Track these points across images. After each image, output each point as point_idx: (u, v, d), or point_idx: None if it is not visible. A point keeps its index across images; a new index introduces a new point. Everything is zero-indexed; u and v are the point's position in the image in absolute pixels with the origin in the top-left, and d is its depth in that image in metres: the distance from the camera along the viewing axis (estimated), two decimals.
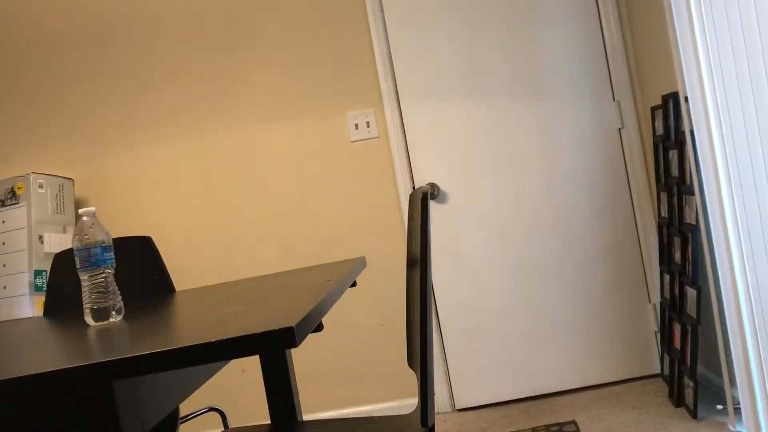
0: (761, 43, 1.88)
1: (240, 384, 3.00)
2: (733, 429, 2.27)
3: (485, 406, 3.00)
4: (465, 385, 2.99)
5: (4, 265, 2.80)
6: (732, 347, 2.16)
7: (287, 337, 0.84)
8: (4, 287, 2.78)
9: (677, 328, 2.58)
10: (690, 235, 2.42)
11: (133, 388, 0.95)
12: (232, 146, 3.09)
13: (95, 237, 1.30)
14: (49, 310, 1.91)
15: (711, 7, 2.03)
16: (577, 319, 2.97)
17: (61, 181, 2.99)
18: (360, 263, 1.75)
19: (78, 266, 1.30)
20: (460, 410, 2.99)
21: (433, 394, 1.20)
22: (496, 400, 2.98)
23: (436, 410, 3.02)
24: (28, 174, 2.85)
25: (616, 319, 2.96)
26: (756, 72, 1.92)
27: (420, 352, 1.17)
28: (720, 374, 2.48)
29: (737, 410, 2.32)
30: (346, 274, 1.46)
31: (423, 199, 1.25)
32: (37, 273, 2.77)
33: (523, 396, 2.99)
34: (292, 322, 0.85)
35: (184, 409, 2.68)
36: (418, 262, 1.25)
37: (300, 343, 0.84)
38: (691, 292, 2.43)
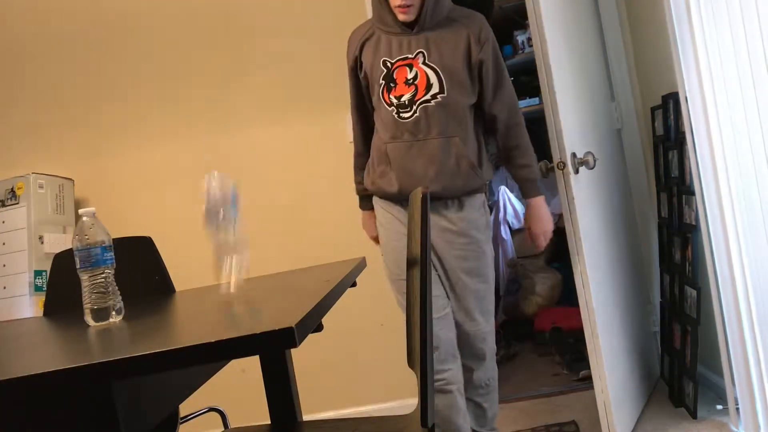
0: (762, 43, 1.88)
1: (240, 384, 2.99)
2: (735, 429, 2.27)
3: None
4: None
5: (4, 266, 2.80)
6: (731, 347, 2.16)
7: (287, 338, 0.84)
8: (4, 287, 2.78)
9: (677, 329, 2.58)
10: (690, 236, 2.42)
11: (133, 389, 0.95)
12: (232, 146, 3.09)
13: (95, 237, 1.30)
14: (49, 310, 1.91)
15: (711, 7, 2.03)
16: None
17: (61, 181, 2.99)
18: (360, 263, 1.75)
19: (78, 266, 1.30)
20: None
21: (433, 394, 1.20)
22: None
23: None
24: (28, 174, 2.85)
25: None
26: (757, 72, 1.92)
27: (420, 351, 1.17)
28: (720, 374, 2.48)
29: (739, 410, 2.32)
30: (346, 275, 1.46)
31: (423, 200, 1.25)
32: (37, 273, 2.77)
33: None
34: (292, 322, 0.85)
35: (184, 409, 2.68)
36: (418, 263, 1.25)
37: (300, 344, 0.84)
38: (691, 293, 2.42)
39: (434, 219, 2.12)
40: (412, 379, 3.01)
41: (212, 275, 1.40)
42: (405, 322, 1.58)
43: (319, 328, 1.64)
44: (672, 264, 2.64)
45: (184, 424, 1.93)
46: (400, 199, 2.13)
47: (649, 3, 2.65)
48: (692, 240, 2.40)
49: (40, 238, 2.81)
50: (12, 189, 2.85)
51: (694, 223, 2.37)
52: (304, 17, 3.06)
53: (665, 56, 2.51)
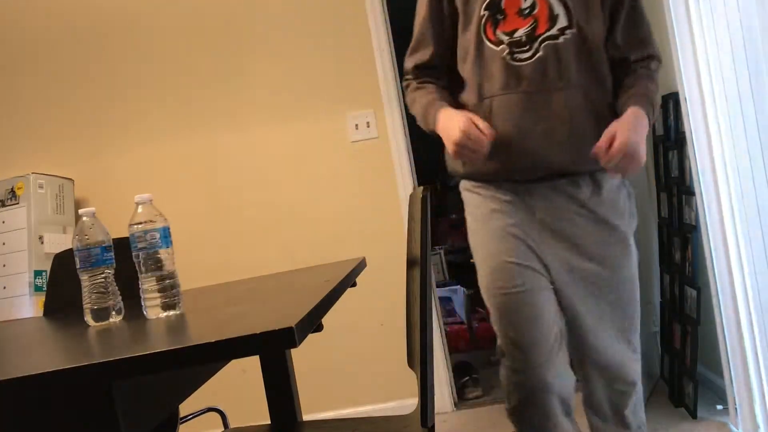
0: (761, 43, 1.88)
1: (240, 384, 2.99)
2: (735, 430, 2.27)
3: (486, 405, 3.00)
4: None
5: (4, 266, 2.80)
6: (729, 347, 2.16)
7: (287, 338, 0.84)
8: (4, 287, 2.78)
9: (677, 329, 2.58)
10: (690, 236, 2.42)
11: (133, 389, 0.95)
12: (233, 146, 3.09)
13: (95, 237, 1.30)
14: (49, 310, 1.91)
15: (710, 7, 2.03)
16: None
17: (61, 181, 2.99)
18: (360, 263, 1.75)
19: (78, 266, 1.30)
20: (460, 409, 2.99)
21: (433, 394, 1.20)
22: None
23: (436, 410, 3.01)
24: (28, 174, 2.85)
25: None
26: (756, 72, 1.92)
27: (420, 351, 1.17)
28: (720, 374, 2.48)
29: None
30: (346, 275, 1.46)
31: (423, 200, 1.25)
32: (37, 273, 2.77)
33: None
34: (292, 322, 0.85)
35: (184, 409, 2.68)
36: (418, 263, 1.25)
37: (300, 344, 0.84)
38: (690, 293, 2.42)
39: (563, 204, 1.58)
40: (411, 379, 3.01)
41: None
42: (406, 323, 1.58)
43: (319, 328, 1.64)
44: (672, 264, 2.64)
45: (184, 424, 1.93)
46: (505, 178, 1.59)
47: (648, 3, 2.65)
48: (692, 240, 2.40)
49: (40, 238, 2.81)
50: (12, 189, 2.85)
51: (694, 223, 2.37)
52: (306, 17, 3.05)
53: (665, 56, 2.51)
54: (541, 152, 1.52)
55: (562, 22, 1.51)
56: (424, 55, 1.68)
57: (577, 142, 1.51)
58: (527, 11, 1.52)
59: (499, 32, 1.54)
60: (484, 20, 1.55)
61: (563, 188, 1.57)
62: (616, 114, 1.54)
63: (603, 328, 1.59)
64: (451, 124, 1.51)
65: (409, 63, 1.72)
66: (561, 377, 1.57)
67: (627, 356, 1.62)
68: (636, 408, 1.64)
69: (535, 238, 1.59)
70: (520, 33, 1.52)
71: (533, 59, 1.52)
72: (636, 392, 1.64)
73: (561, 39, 1.51)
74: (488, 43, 1.55)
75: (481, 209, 1.64)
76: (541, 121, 1.51)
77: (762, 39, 1.87)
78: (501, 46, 1.54)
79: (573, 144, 1.52)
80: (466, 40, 1.59)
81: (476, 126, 1.48)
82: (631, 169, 1.48)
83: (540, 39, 1.52)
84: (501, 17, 1.54)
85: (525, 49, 1.52)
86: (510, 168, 1.56)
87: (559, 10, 1.52)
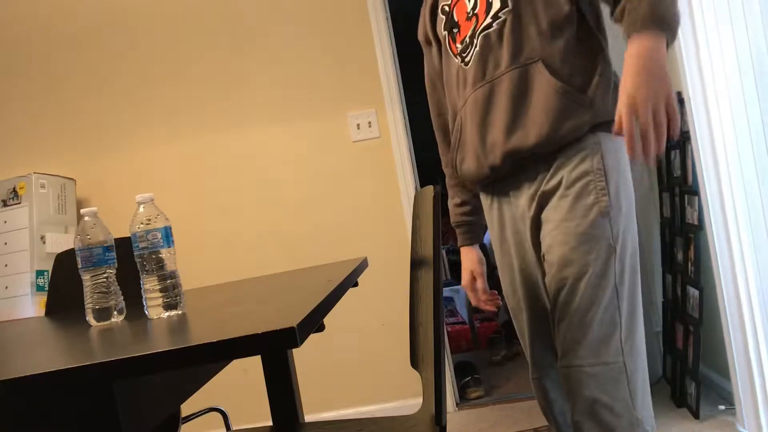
0: (765, 42, 1.87)
1: (241, 384, 2.99)
2: (741, 429, 2.26)
3: (487, 405, 3.00)
4: None
5: (6, 265, 2.80)
6: (733, 347, 2.15)
7: (289, 338, 0.83)
8: (6, 287, 2.78)
9: (679, 329, 2.58)
10: (692, 235, 2.41)
11: (135, 389, 0.95)
12: (234, 146, 3.09)
13: (97, 237, 1.30)
14: (51, 310, 1.91)
15: (713, 6, 2.03)
16: None
17: (63, 181, 2.99)
18: (362, 263, 1.75)
19: (80, 266, 1.30)
20: (461, 409, 2.99)
21: (445, 393, 1.20)
22: None
23: None
24: (30, 174, 2.85)
25: None
26: (759, 70, 1.92)
27: (434, 351, 1.17)
28: (722, 374, 2.48)
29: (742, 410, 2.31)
30: (348, 275, 1.46)
31: (435, 198, 1.24)
32: (39, 273, 2.77)
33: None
34: (293, 322, 0.85)
35: (186, 409, 2.68)
36: (427, 263, 1.25)
37: (302, 344, 0.84)
38: (693, 293, 2.42)
39: (513, 204, 1.48)
40: (413, 379, 3.01)
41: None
42: (409, 323, 1.57)
43: (320, 328, 1.64)
44: (674, 264, 2.64)
45: (186, 424, 1.93)
46: (486, 180, 1.51)
47: None
48: (695, 240, 2.40)
49: (42, 237, 2.81)
50: (14, 189, 2.85)
51: (696, 222, 2.36)
52: (307, 16, 3.05)
53: (668, 56, 2.50)
54: (498, 146, 1.42)
55: (495, 6, 1.41)
56: (444, 157, 1.71)
57: (522, 126, 1.38)
58: (470, 13, 1.46)
59: (456, 45, 1.50)
60: (446, 40, 1.52)
61: (523, 183, 1.46)
62: (596, 65, 1.38)
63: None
64: (462, 267, 1.72)
65: (445, 167, 1.71)
66: None
67: None
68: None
69: None
70: (466, 36, 1.46)
71: (473, 57, 1.45)
72: None
73: (495, 25, 1.41)
74: (454, 60, 1.51)
75: (488, 216, 1.63)
76: (494, 114, 1.42)
77: (766, 38, 1.86)
78: (457, 58, 1.50)
79: (518, 129, 1.38)
80: (444, 71, 1.58)
81: (474, 289, 1.67)
82: (659, 133, 1.18)
83: (477, 34, 1.44)
84: (456, 30, 1.50)
85: (469, 50, 1.46)
86: (479, 168, 1.48)
87: None
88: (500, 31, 1.41)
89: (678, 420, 2.45)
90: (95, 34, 3.15)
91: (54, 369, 0.85)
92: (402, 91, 3.04)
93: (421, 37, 1.66)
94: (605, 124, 1.37)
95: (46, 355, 1.07)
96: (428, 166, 3.92)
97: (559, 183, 1.38)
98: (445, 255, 4.69)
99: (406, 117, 3.05)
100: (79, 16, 3.15)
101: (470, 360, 3.43)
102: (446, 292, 4.18)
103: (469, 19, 1.46)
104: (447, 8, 1.52)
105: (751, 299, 2.05)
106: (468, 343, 3.94)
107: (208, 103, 3.10)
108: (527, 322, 1.55)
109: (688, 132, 2.27)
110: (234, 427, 2.26)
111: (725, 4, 1.99)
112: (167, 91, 3.12)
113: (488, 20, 1.42)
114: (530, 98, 1.38)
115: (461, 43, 1.47)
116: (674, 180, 2.58)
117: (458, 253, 4.77)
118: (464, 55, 1.47)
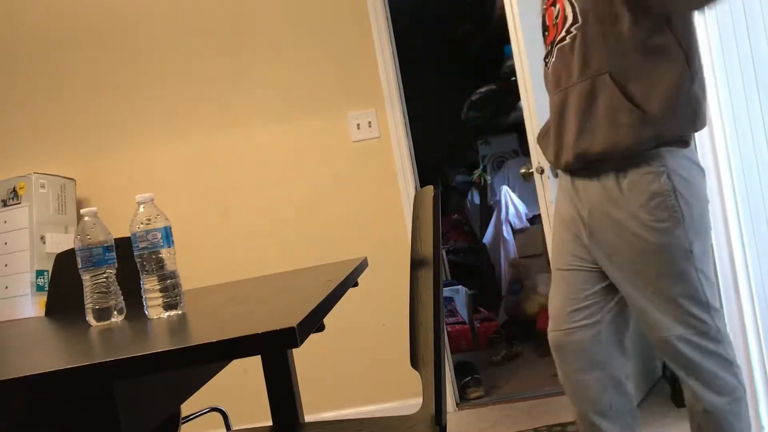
0: (766, 39, 1.87)
1: (241, 384, 2.99)
2: None
3: (487, 405, 3.00)
4: None
5: (6, 265, 2.80)
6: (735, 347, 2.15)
7: (289, 338, 0.83)
8: (6, 287, 2.78)
9: None
10: None
11: (135, 389, 0.95)
12: (234, 146, 3.09)
13: (97, 237, 1.30)
14: (51, 310, 1.91)
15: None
16: None
17: (63, 181, 2.99)
18: (362, 263, 1.75)
19: (80, 266, 1.30)
20: (461, 410, 2.99)
21: (445, 393, 1.20)
22: None
23: None
24: (30, 174, 2.85)
25: None
26: (760, 69, 1.92)
27: (434, 351, 1.17)
28: None
29: None
30: (348, 275, 1.46)
31: (435, 199, 1.25)
32: (39, 273, 2.77)
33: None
34: (293, 322, 0.85)
35: (186, 409, 2.68)
36: (427, 263, 1.25)
37: (302, 344, 0.84)
38: None
39: (598, 200, 1.57)
40: (413, 379, 3.00)
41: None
42: (409, 323, 1.57)
43: (320, 328, 1.64)
44: None
45: (186, 424, 1.93)
46: (561, 168, 1.66)
47: None
48: None
49: (42, 237, 2.81)
50: (14, 189, 2.85)
51: None
52: (307, 16, 3.05)
53: None
54: (567, 148, 1.57)
55: (569, 20, 1.54)
56: None
57: (587, 136, 1.51)
58: (555, 21, 1.59)
59: (546, 47, 1.65)
60: (544, 41, 1.67)
61: (596, 183, 1.57)
62: (670, 88, 1.46)
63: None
64: None
65: None
66: None
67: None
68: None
69: None
70: (549, 43, 1.62)
71: (552, 65, 1.61)
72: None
73: (567, 39, 1.54)
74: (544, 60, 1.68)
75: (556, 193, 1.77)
76: (569, 120, 1.55)
77: (766, 35, 1.86)
78: (546, 59, 1.65)
79: (583, 138, 1.52)
80: None
81: None
82: None
83: (555, 44, 1.59)
84: (546, 33, 1.66)
85: (549, 56, 1.62)
86: (557, 159, 1.62)
87: (569, 11, 1.54)
88: (572, 45, 1.54)
89: (678, 420, 2.45)
90: (95, 34, 3.14)
91: (54, 369, 0.85)
92: (402, 91, 3.04)
93: None
94: (672, 142, 1.48)
95: (47, 355, 1.07)
96: (428, 166, 3.92)
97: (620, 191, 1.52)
98: (445, 255, 4.69)
99: (406, 117, 3.05)
100: (79, 16, 3.15)
101: (470, 360, 3.42)
102: (446, 292, 4.18)
103: (554, 25, 1.60)
104: (542, 10, 1.67)
105: (753, 299, 2.05)
106: (468, 343, 3.94)
107: (208, 103, 3.10)
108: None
109: None
110: (234, 427, 2.26)
111: (726, 1, 1.99)
112: (167, 91, 3.12)
113: (563, 33, 1.57)
114: (597, 109, 1.49)
115: (547, 48, 1.64)
116: None
117: (458, 252, 4.80)
118: (547, 60, 1.64)
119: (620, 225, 1.52)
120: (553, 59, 1.59)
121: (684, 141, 1.50)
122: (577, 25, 1.52)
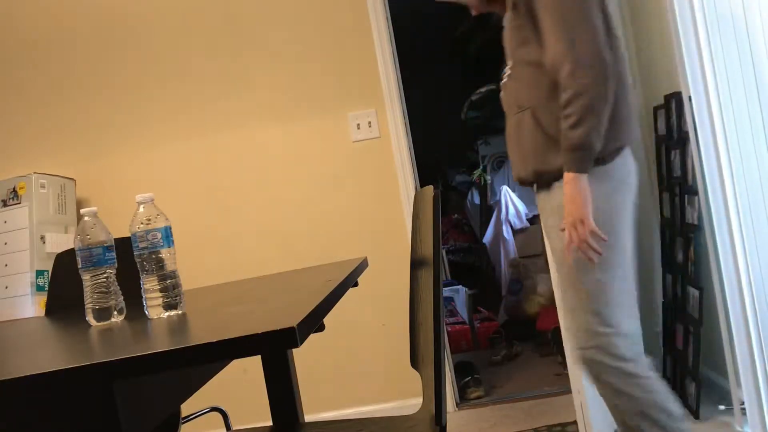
0: (765, 41, 1.87)
1: (241, 384, 2.99)
2: (740, 429, 2.26)
3: (487, 405, 3.00)
4: None
5: (6, 265, 2.80)
6: (737, 348, 2.15)
7: (289, 337, 0.83)
8: (6, 287, 2.78)
9: (679, 329, 2.58)
10: (692, 236, 2.41)
11: (135, 389, 0.95)
12: (234, 146, 3.09)
13: (97, 237, 1.30)
14: (51, 310, 1.91)
15: (714, 5, 2.03)
16: None
17: (63, 181, 2.99)
18: (362, 263, 1.75)
19: (80, 266, 1.30)
20: (461, 410, 2.99)
21: (445, 392, 1.20)
22: None
23: None
24: (30, 174, 2.85)
25: None
26: (760, 70, 1.92)
27: (434, 350, 1.17)
28: (722, 374, 2.48)
29: (743, 411, 2.31)
30: (348, 275, 1.46)
31: (435, 199, 1.25)
32: (39, 273, 2.77)
33: None
34: (293, 322, 0.85)
35: (186, 409, 2.68)
36: (427, 263, 1.25)
37: (301, 344, 0.84)
38: (693, 293, 2.42)
39: (541, 210, 1.82)
40: (413, 379, 3.01)
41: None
42: (409, 323, 1.57)
43: (320, 328, 1.64)
44: (674, 264, 2.64)
45: (186, 424, 1.93)
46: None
47: (653, 2, 2.64)
48: (694, 240, 2.39)
49: (42, 237, 2.81)
50: (14, 189, 2.85)
51: (696, 222, 2.36)
52: (307, 16, 3.05)
53: (668, 56, 2.51)
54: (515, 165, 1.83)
55: (508, 58, 1.78)
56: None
57: (521, 162, 1.76)
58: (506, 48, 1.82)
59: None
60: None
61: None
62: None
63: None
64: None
65: None
66: None
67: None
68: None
69: None
70: (503, 70, 1.84)
71: (502, 93, 1.84)
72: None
73: (505, 77, 1.80)
74: None
75: None
76: (510, 142, 1.82)
77: (766, 36, 1.86)
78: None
79: (518, 164, 1.78)
80: None
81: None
82: (583, 246, 1.61)
83: (503, 77, 1.83)
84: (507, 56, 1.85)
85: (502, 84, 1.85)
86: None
87: (508, 50, 1.78)
88: (507, 83, 1.80)
89: None
90: (95, 34, 3.15)
91: (54, 369, 0.85)
92: (402, 91, 3.04)
93: None
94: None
95: (47, 355, 1.07)
96: (428, 166, 3.92)
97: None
98: (445, 255, 4.69)
99: (406, 117, 3.05)
100: (79, 16, 3.15)
101: (470, 360, 3.43)
102: (446, 292, 4.18)
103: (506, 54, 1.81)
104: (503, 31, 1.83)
105: (754, 299, 2.05)
106: (468, 343, 3.94)
107: (208, 103, 3.10)
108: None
109: (687, 132, 2.27)
110: (234, 427, 2.26)
111: (726, 2, 1.99)
112: (167, 91, 3.12)
113: (506, 69, 1.79)
114: (523, 140, 1.73)
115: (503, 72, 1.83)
116: (674, 180, 2.58)
117: (457, 252, 4.80)
118: (501, 85, 1.85)
119: (549, 233, 1.76)
120: (502, 91, 1.83)
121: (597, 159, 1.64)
122: (510, 63, 1.77)
